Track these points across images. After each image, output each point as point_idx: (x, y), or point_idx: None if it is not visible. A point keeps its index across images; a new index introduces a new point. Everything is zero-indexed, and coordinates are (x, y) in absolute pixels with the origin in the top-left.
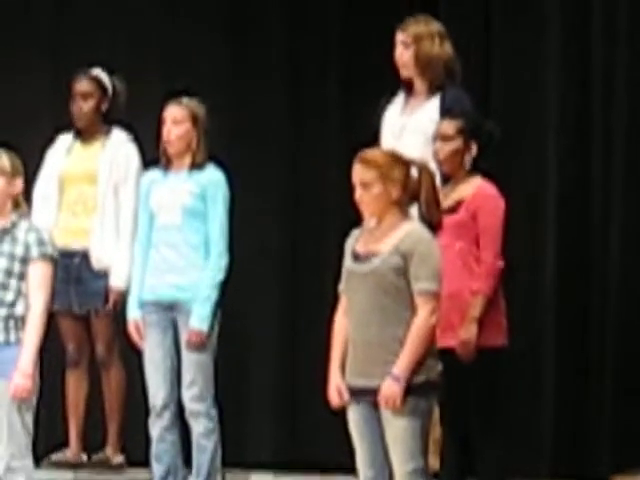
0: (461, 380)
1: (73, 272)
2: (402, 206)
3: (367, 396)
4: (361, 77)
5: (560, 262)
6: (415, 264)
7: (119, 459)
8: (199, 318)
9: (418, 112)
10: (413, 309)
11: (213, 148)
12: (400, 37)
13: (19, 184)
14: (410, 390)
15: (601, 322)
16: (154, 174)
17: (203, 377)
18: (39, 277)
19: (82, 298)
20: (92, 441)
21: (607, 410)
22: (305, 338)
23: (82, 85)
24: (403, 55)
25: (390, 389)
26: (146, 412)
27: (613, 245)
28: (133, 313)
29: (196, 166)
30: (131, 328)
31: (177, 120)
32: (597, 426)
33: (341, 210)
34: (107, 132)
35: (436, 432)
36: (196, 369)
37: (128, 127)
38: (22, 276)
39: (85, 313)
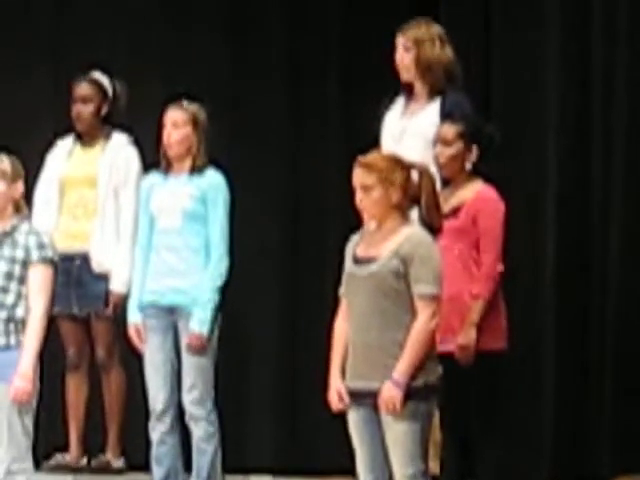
0: (461, 384)
1: (73, 275)
2: (403, 210)
3: (367, 399)
4: (361, 78)
5: (560, 262)
6: (415, 267)
7: (119, 463)
8: (199, 322)
9: (418, 116)
10: (413, 313)
11: (213, 149)
12: (401, 40)
13: (20, 187)
14: (410, 394)
15: (601, 322)
16: (154, 177)
17: (203, 381)
18: (39, 280)
19: (82, 301)
20: (92, 444)
21: (607, 411)
22: (305, 340)
23: (82, 88)
24: (404, 58)
25: (390, 393)
26: (146, 415)
27: (613, 245)
28: (133, 316)
29: (196, 169)
30: (131, 331)
31: (177, 123)
32: (597, 427)
33: (341, 211)
34: (107, 135)
35: (436, 435)
36: (196, 373)
37: (128, 130)
38: (22, 279)
39: (85, 316)
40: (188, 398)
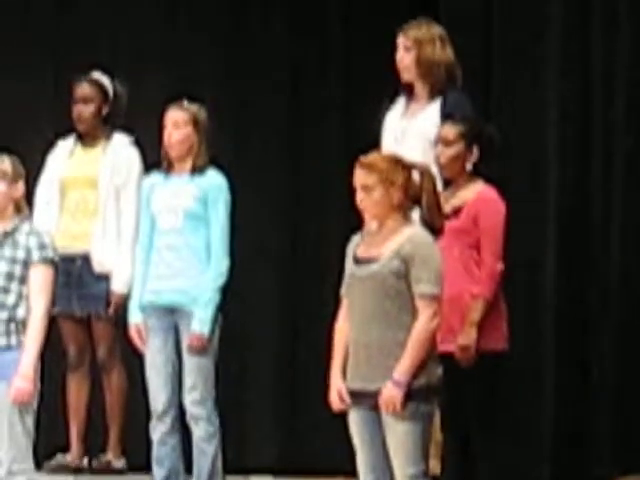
0: (462, 384)
1: (74, 276)
2: (404, 210)
3: (368, 400)
4: (362, 78)
5: (560, 262)
6: (416, 268)
7: (120, 463)
8: (200, 322)
9: (419, 116)
10: (414, 313)
11: (214, 149)
12: (401, 41)
13: (20, 188)
14: (411, 394)
15: (601, 322)
16: (155, 178)
17: (204, 381)
18: (40, 281)
19: (83, 302)
20: (93, 445)
21: (607, 410)
22: (305, 341)
23: (83, 89)
24: (404, 59)
25: (391, 393)
26: (147, 416)
27: (614, 245)
28: (134, 317)
29: (197, 170)
30: (132, 332)
31: (178, 124)
32: (597, 427)
33: (342, 211)
34: (108, 136)
35: (437, 435)
36: (197, 373)
37: (129, 131)
38: (23, 280)
39: (86, 317)
40: (189, 398)
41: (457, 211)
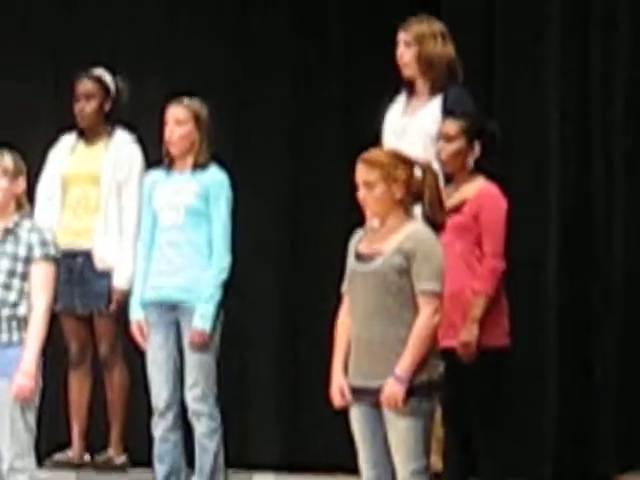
0: (463, 380)
1: (76, 272)
2: (405, 206)
3: (369, 396)
4: (363, 76)
5: (563, 259)
6: (418, 264)
7: (122, 459)
8: (202, 318)
9: (420, 112)
10: (416, 309)
11: (215, 148)
12: (402, 37)
13: (22, 184)
14: (412, 390)
15: (604, 321)
16: (157, 174)
17: (206, 377)
18: (42, 277)
19: (85, 298)
20: (95, 441)
21: (610, 408)
22: (307, 337)
23: (85, 85)
24: (405, 55)
25: (392, 389)
26: (149, 412)
27: (616, 244)
28: (136, 313)
29: (199, 166)
30: (134, 328)
31: (179, 120)
32: (600, 424)
33: (342, 209)
34: (110, 132)
35: (438, 431)
36: (199, 369)
37: (131, 127)
38: (25, 276)
39: (88, 313)
40: (190, 395)
41: (459, 207)
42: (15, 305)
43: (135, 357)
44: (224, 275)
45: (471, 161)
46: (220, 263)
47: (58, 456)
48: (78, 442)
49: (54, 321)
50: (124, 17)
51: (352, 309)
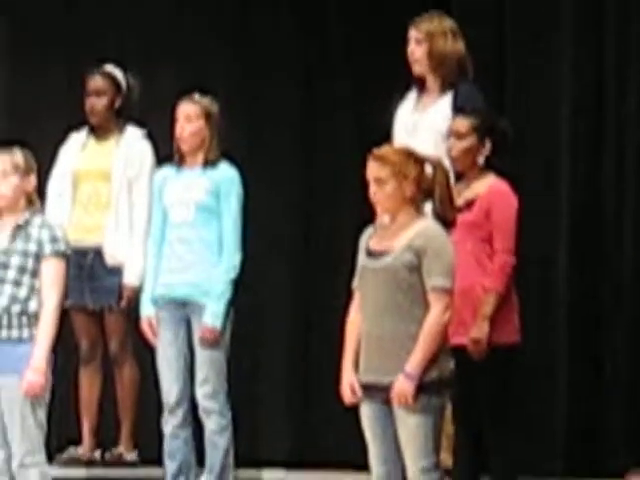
0: (474, 377)
1: (86, 269)
2: (416, 203)
3: (380, 393)
4: (374, 72)
5: (573, 256)
6: (428, 261)
7: (132, 456)
8: (212, 315)
9: (431, 109)
10: (426, 306)
11: (226, 144)
12: (413, 34)
13: (33, 181)
14: (422, 387)
15: (614, 318)
16: (167, 171)
17: (216, 374)
18: (52, 274)
19: (95, 295)
20: (105, 438)
21: (620, 404)
22: (318, 334)
23: (96, 82)
24: (416, 52)
25: (402, 386)
26: (159, 409)
27: (626, 241)
28: (146, 310)
29: (209, 163)
30: (144, 325)
31: (190, 117)
32: (611, 421)
33: (354, 204)
34: (121, 129)
35: (449, 428)
36: (209, 366)
37: (142, 124)
38: (35, 273)
39: (98, 310)
40: (201, 392)
41: (469, 204)
42: (26, 301)
43: (145, 354)
44: (235, 272)
45: (482, 158)
46: (230, 260)
47: (68, 453)
48: (88, 439)
49: (64, 318)
50: (135, 14)
51: (363, 305)
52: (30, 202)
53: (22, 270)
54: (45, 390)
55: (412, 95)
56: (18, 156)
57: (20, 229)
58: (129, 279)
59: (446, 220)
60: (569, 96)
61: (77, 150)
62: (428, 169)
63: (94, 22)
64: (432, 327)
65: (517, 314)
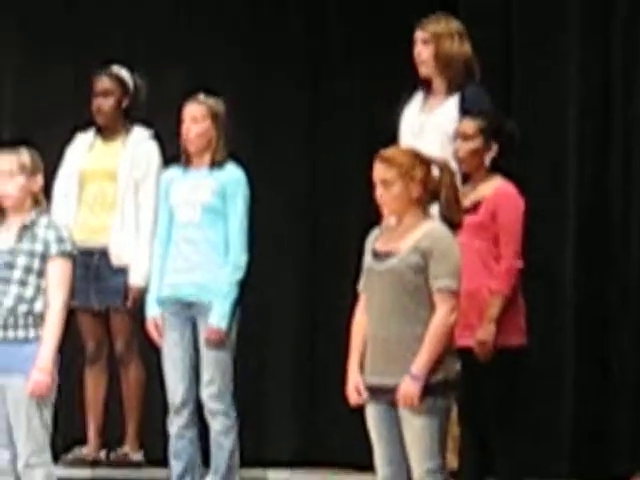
0: (480, 379)
1: (92, 269)
2: (422, 205)
3: (385, 394)
4: (381, 73)
5: (580, 258)
6: (434, 262)
7: (138, 456)
8: (218, 316)
9: (437, 111)
10: (432, 308)
11: (233, 144)
12: (419, 35)
13: (39, 181)
14: (428, 389)
15: (621, 319)
16: (174, 172)
17: (222, 375)
18: (58, 274)
19: (101, 295)
20: (111, 438)
21: (627, 407)
22: (324, 335)
23: (103, 82)
24: (422, 53)
25: (408, 388)
26: (165, 409)
27: (633, 242)
28: (152, 311)
29: (216, 164)
30: (150, 326)
31: (197, 118)
32: (617, 424)
33: (360, 205)
34: (128, 129)
35: (454, 430)
36: (215, 367)
37: (148, 124)
38: (41, 273)
39: (104, 310)
40: (206, 392)
41: (476, 206)
42: (32, 302)
43: (151, 354)
44: (241, 273)
45: (488, 160)
46: (236, 261)
47: (74, 453)
48: (94, 439)
49: (70, 318)
50: (141, 14)
51: (368, 307)
52: (36, 202)
53: (28, 270)
54: (51, 390)
55: (419, 97)
56: (24, 156)
57: (26, 229)
58: (135, 280)
59: (452, 222)
60: (576, 97)
61: (84, 150)
62: (435, 171)
63: (101, 22)
64: (438, 328)
65: (523, 316)
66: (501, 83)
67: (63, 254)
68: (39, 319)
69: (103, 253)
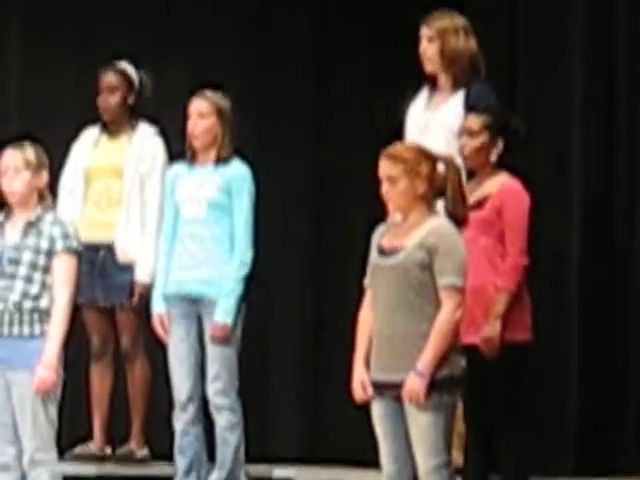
0: (485, 376)
1: (98, 265)
2: (428, 201)
3: (391, 391)
4: (385, 70)
5: (585, 254)
6: (440, 259)
7: (143, 452)
8: (224, 312)
9: (442, 107)
10: (438, 304)
11: (238, 141)
12: (425, 31)
13: (44, 177)
14: (434, 385)
15: (626, 314)
16: (180, 168)
17: (227, 371)
18: (64, 270)
19: (107, 291)
20: (116, 434)
21: (632, 402)
22: (329, 331)
23: (109, 78)
24: (427, 49)
25: (414, 384)
26: (170, 405)
27: (639, 237)
28: (158, 307)
29: (222, 160)
30: (155, 322)
31: (202, 114)
32: (622, 418)
33: (365, 200)
34: (133, 126)
35: (460, 426)
36: (220, 363)
37: (154, 121)
38: (47, 269)
39: (110, 306)
40: (212, 388)
41: (481, 202)
42: (37, 298)
43: (156, 350)
44: (246, 269)
45: (494, 156)
46: (242, 257)
47: (79, 449)
48: (99, 435)
49: (76, 314)
50: (147, 11)
51: (374, 303)
52: (42, 198)
53: (34, 266)
54: (56, 386)
55: (424, 93)
56: (30, 152)
57: (32, 225)
58: (140, 276)
59: (458, 218)
60: (580, 90)
61: (89, 147)
62: (440, 167)
63: (105, 19)
64: (443, 325)
65: (529, 312)
66: (507, 77)
67: (69, 250)
68: (44, 315)
69: (109, 249)
